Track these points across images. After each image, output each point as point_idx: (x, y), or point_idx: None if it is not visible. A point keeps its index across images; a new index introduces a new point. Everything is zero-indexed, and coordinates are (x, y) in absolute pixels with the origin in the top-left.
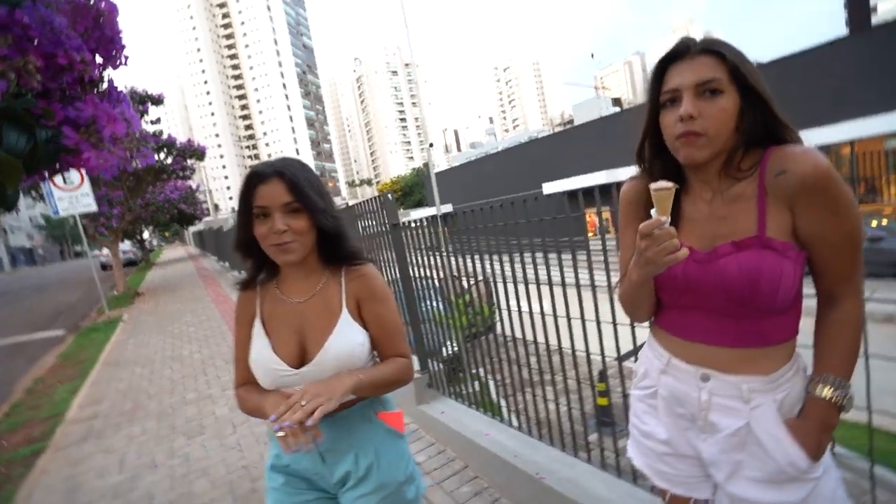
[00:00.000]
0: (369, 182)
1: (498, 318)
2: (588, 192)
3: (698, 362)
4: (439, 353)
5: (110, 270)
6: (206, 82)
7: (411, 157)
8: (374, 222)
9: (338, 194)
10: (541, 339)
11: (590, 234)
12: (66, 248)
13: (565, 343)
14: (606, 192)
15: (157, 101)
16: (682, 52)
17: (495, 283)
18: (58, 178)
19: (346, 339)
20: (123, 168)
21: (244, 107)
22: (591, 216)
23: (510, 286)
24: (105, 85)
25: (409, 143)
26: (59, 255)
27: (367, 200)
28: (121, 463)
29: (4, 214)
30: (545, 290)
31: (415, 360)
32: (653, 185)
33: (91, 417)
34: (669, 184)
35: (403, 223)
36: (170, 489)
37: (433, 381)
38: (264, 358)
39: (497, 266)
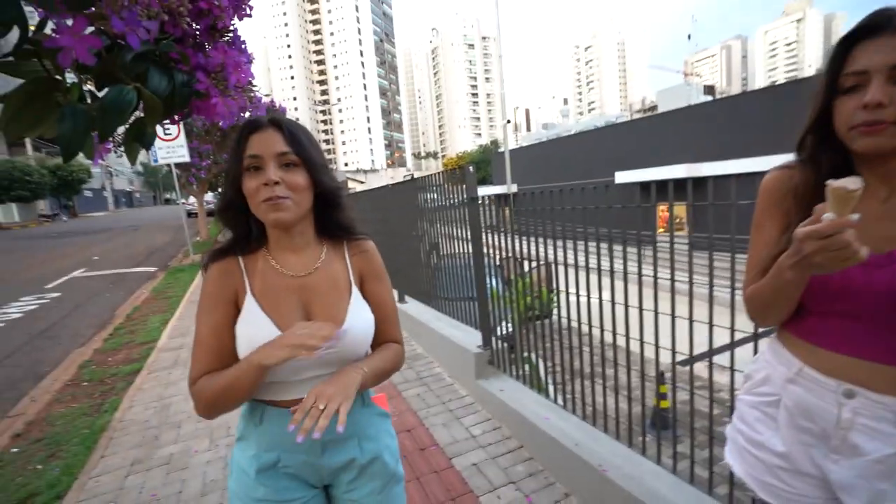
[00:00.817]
0: (435, 155)
1: (556, 304)
2: (662, 185)
3: (842, 376)
4: (495, 331)
5: (195, 217)
6: (288, 45)
7: (479, 134)
8: (442, 195)
9: (403, 164)
10: (600, 330)
11: (659, 230)
12: (159, 195)
13: (624, 338)
14: (681, 188)
15: (249, 60)
16: (880, 26)
17: (557, 267)
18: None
19: (362, 319)
20: (215, 123)
21: (322, 72)
22: (662, 211)
23: (572, 273)
24: (231, 34)
25: (478, 118)
26: (153, 200)
27: (442, 172)
28: None
29: (139, 151)
30: (606, 283)
31: (478, 335)
32: (834, 183)
33: (178, 347)
34: (858, 182)
35: (482, 198)
36: None
37: (494, 358)
38: (268, 336)
39: (560, 252)
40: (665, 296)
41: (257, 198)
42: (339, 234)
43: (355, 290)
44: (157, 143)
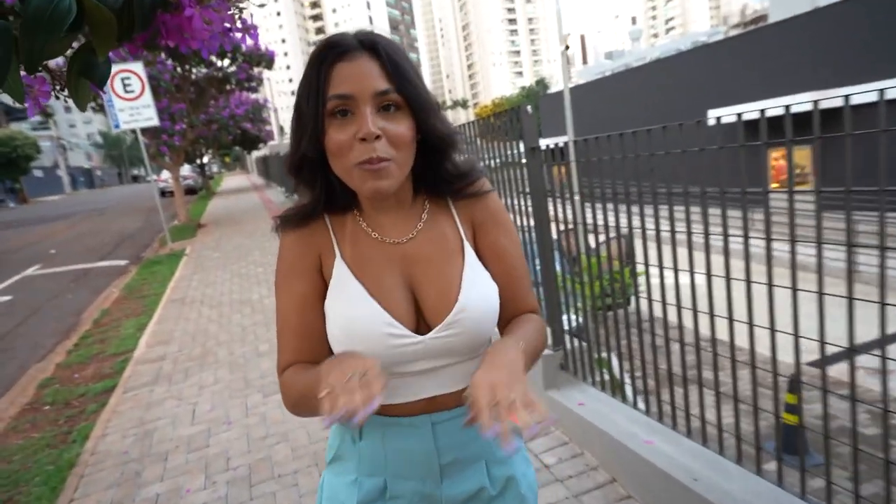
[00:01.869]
0: (464, 104)
1: (638, 287)
2: (775, 124)
3: None
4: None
5: (170, 197)
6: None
7: (520, 73)
8: (485, 150)
9: None
10: (709, 318)
11: (773, 185)
12: (124, 171)
13: (738, 334)
14: (804, 124)
15: None
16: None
17: (633, 240)
18: (118, 86)
19: (483, 289)
20: (186, 76)
21: (315, 3)
22: (775, 160)
23: (659, 248)
24: None
25: (517, 53)
26: (118, 177)
27: (488, 117)
28: (193, 413)
29: (97, 95)
30: (700, 258)
31: (546, 331)
32: None
33: (160, 358)
34: None
35: (548, 147)
36: (247, 451)
37: (568, 361)
38: (369, 316)
39: (637, 221)
40: (782, 274)
41: (348, 159)
42: (450, 189)
43: (469, 252)
44: (119, 103)
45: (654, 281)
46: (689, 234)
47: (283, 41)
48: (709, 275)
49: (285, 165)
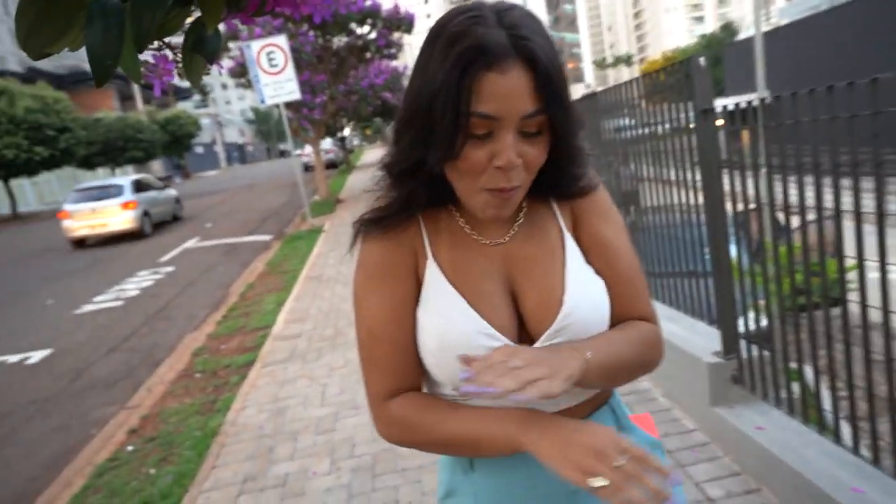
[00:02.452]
0: (628, 60)
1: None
2: None
3: None
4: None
5: (312, 172)
6: None
7: (699, 18)
8: (643, 116)
9: (580, 79)
10: None
11: None
12: (272, 146)
13: None
14: None
15: None
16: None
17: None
18: (263, 60)
19: (589, 287)
20: (328, 46)
21: None
22: None
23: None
24: None
25: None
26: (266, 152)
27: (652, 73)
28: (322, 395)
29: (207, 70)
30: None
31: (714, 335)
32: None
33: (295, 336)
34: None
35: (725, 108)
36: (372, 440)
37: (744, 373)
38: (465, 325)
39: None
40: None
41: (476, 181)
42: (555, 190)
43: (570, 244)
44: (264, 79)
45: (873, 276)
46: None
47: (426, 1)
48: None
49: (386, 167)
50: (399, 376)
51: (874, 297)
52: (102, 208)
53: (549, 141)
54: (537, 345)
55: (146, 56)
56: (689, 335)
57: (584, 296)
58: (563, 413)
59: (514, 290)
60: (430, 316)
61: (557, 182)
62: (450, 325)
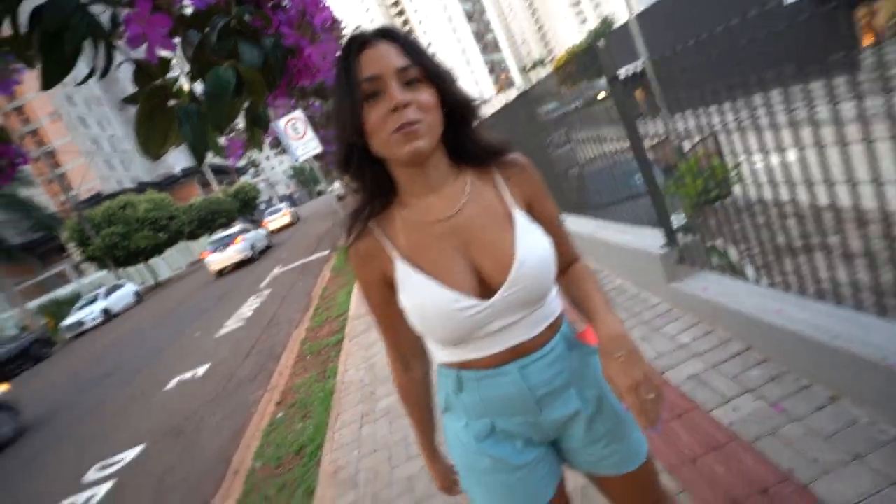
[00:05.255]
0: (542, 63)
1: (737, 178)
2: None
3: None
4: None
5: (345, 199)
6: (367, 10)
7: (584, 20)
8: (561, 98)
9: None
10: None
11: (865, 44)
12: (312, 189)
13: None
14: None
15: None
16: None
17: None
18: (290, 130)
19: (536, 244)
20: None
21: (406, 21)
22: (864, 18)
23: (753, 137)
24: None
25: (578, 3)
26: (308, 195)
27: (561, 68)
28: None
29: (265, 137)
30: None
31: (657, 234)
32: None
33: (366, 313)
34: None
35: (627, 75)
36: None
37: (685, 255)
38: (437, 299)
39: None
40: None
41: (385, 130)
42: (483, 157)
43: (519, 214)
44: (293, 143)
45: (757, 167)
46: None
47: None
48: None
49: (336, 162)
50: (392, 343)
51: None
52: (226, 248)
53: (433, 89)
54: (497, 295)
55: (221, 140)
56: (640, 239)
57: (531, 251)
58: (532, 340)
59: (471, 254)
60: (408, 301)
61: (470, 142)
62: (426, 302)
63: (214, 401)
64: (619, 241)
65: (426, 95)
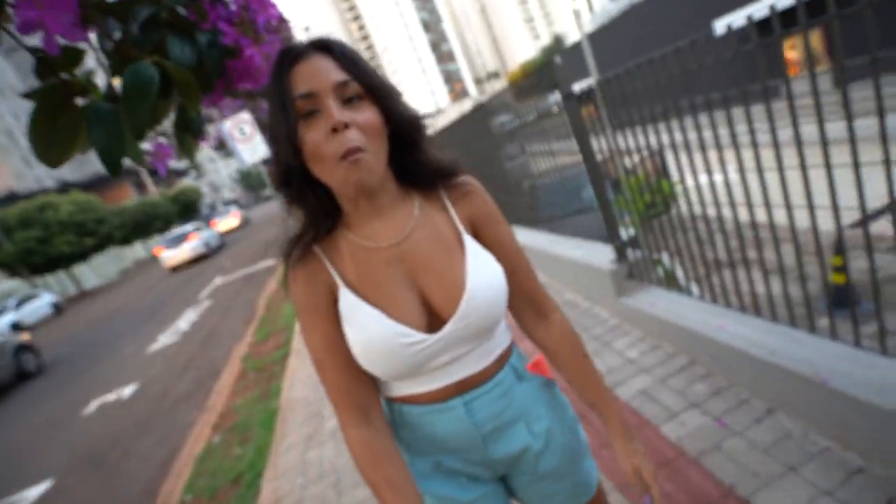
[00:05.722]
0: (497, 75)
1: (677, 194)
2: (789, 15)
3: None
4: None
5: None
6: (322, 14)
7: (537, 37)
8: (515, 111)
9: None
10: (742, 211)
11: (793, 75)
12: (259, 195)
13: (776, 211)
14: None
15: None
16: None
17: (664, 154)
18: (237, 132)
19: (487, 270)
20: None
21: (362, 27)
22: (791, 48)
23: (690, 155)
24: None
25: (531, 20)
26: (255, 200)
27: (515, 81)
28: None
29: (199, 146)
30: (732, 157)
31: (607, 250)
32: None
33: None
34: None
35: (581, 91)
36: None
37: (633, 270)
38: (383, 332)
39: (666, 138)
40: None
41: (326, 156)
42: (431, 179)
43: (469, 241)
44: (240, 146)
45: (695, 184)
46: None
47: None
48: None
49: (274, 184)
50: (345, 390)
51: (705, 196)
52: (180, 244)
53: (375, 108)
54: (447, 327)
55: (146, 146)
56: (591, 254)
57: (483, 282)
58: (480, 373)
59: (420, 284)
60: (354, 332)
61: (422, 166)
62: (371, 335)
63: (141, 425)
64: (571, 256)
65: (368, 114)
